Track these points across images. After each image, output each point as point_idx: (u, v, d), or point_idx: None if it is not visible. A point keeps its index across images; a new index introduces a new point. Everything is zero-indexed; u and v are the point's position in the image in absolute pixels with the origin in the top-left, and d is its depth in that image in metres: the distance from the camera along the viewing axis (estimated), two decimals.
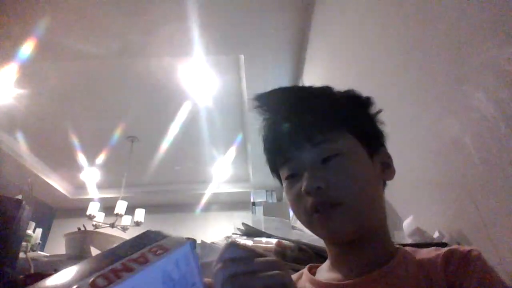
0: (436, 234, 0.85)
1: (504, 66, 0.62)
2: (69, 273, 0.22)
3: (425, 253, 0.43)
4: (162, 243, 0.24)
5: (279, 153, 0.48)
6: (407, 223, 0.92)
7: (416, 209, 1.01)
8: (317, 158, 0.44)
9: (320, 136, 0.44)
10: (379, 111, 0.52)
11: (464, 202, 0.77)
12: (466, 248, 0.41)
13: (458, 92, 0.78)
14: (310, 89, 0.53)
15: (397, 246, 0.47)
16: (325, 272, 0.48)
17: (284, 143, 0.46)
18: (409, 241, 0.90)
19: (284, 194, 0.51)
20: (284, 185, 0.48)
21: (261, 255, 0.31)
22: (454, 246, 0.42)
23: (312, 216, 0.43)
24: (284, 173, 0.48)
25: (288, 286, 0.30)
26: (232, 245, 0.31)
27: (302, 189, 0.42)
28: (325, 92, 0.51)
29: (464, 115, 0.76)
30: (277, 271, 0.29)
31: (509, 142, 0.62)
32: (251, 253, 0.31)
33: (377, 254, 0.44)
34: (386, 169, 0.49)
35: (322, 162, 0.44)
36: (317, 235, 0.46)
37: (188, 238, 0.25)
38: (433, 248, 0.45)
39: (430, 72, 0.91)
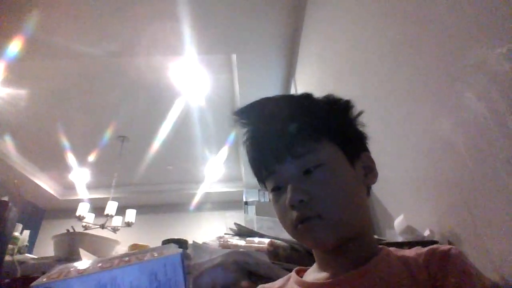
0: (427, 232, 0.86)
1: (495, 66, 0.63)
2: (86, 262, 0.28)
3: (407, 253, 0.45)
4: (163, 250, 0.28)
5: (263, 167, 0.48)
6: (398, 222, 0.93)
7: (407, 207, 1.02)
8: (299, 170, 0.44)
9: (301, 148, 0.45)
10: (360, 113, 0.52)
11: (454, 201, 0.78)
12: (446, 247, 0.42)
13: (449, 92, 0.78)
14: (289, 99, 0.53)
15: (381, 246, 0.48)
16: (312, 274, 0.49)
17: (266, 157, 0.47)
18: (400, 239, 0.90)
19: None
20: (270, 197, 0.49)
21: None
22: (435, 246, 0.43)
23: (297, 227, 0.44)
24: (269, 185, 0.48)
25: None
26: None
27: (286, 202, 0.43)
28: (304, 101, 0.51)
29: (455, 115, 0.76)
30: None
31: (499, 141, 0.63)
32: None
33: (361, 254, 0.45)
34: (369, 173, 0.49)
35: (305, 174, 0.44)
36: (302, 244, 0.46)
37: (184, 251, 0.28)
38: (415, 248, 0.46)
39: (421, 71, 0.92)
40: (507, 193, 0.61)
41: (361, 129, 0.52)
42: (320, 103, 0.51)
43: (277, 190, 0.47)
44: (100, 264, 0.25)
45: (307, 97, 0.52)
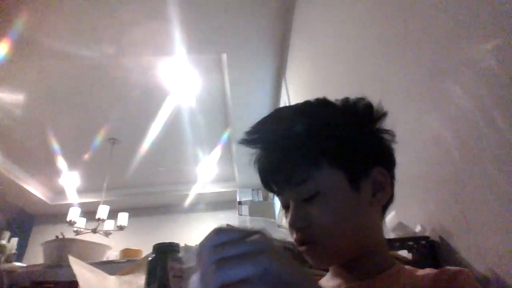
0: (418, 228, 0.87)
1: (482, 63, 0.63)
2: None
3: (420, 272, 0.45)
4: None
5: (269, 190, 0.51)
6: (390, 218, 0.94)
7: (398, 204, 1.02)
8: (298, 198, 0.46)
9: (299, 176, 0.45)
10: (382, 116, 0.52)
11: (444, 197, 0.79)
12: (456, 268, 0.42)
13: (438, 89, 0.79)
14: (294, 117, 0.49)
15: (395, 262, 0.48)
16: (326, 281, 0.51)
17: (269, 183, 0.49)
18: (392, 235, 0.91)
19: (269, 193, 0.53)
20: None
21: (251, 234, 0.28)
22: (446, 268, 0.44)
23: (300, 247, 0.46)
24: (279, 202, 0.52)
25: (276, 272, 0.26)
26: (220, 231, 0.28)
27: (288, 224, 0.46)
28: (309, 118, 0.48)
29: (444, 111, 0.77)
30: (263, 256, 0.26)
31: (487, 137, 0.63)
32: (241, 235, 0.28)
33: (372, 269, 0.46)
34: (378, 192, 0.47)
35: (303, 201, 0.46)
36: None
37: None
38: (428, 268, 0.46)
39: (409, 68, 0.92)
40: (496, 188, 0.61)
41: (377, 140, 0.49)
42: (329, 116, 0.48)
43: (285, 208, 0.49)
44: None
45: (318, 110, 0.50)
